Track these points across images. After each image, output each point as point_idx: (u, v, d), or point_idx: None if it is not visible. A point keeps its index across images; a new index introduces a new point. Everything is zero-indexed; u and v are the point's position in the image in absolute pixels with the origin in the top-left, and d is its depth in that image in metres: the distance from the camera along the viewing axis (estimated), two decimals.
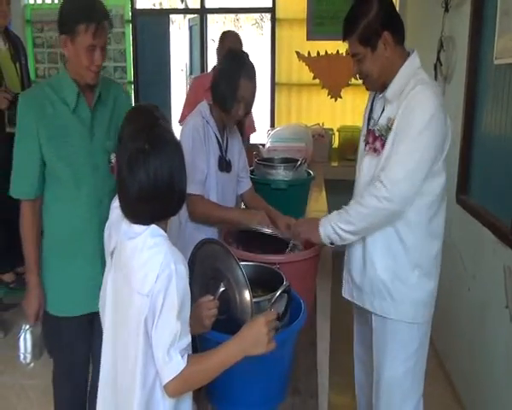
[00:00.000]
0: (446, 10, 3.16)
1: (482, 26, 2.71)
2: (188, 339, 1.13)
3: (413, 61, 1.74)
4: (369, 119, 1.91)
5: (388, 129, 1.70)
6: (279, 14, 4.74)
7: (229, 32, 3.29)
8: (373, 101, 1.91)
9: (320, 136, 4.45)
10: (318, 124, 4.60)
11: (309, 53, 4.64)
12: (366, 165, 1.80)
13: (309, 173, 2.56)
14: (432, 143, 1.63)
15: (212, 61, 5.53)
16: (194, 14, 5.01)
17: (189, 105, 3.15)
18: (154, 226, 1.18)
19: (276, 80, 4.85)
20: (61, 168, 1.72)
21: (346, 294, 1.94)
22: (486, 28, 2.64)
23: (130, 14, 4.91)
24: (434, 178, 1.69)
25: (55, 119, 1.71)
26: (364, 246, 1.80)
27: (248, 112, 2.09)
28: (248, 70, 2.02)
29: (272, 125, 4.82)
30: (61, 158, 1.71)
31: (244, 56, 2.08)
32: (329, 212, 3.16)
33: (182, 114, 3.49)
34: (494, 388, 2.35)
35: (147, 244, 1.16)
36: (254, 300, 1.48)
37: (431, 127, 1.61)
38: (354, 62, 1.77)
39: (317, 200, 3.20)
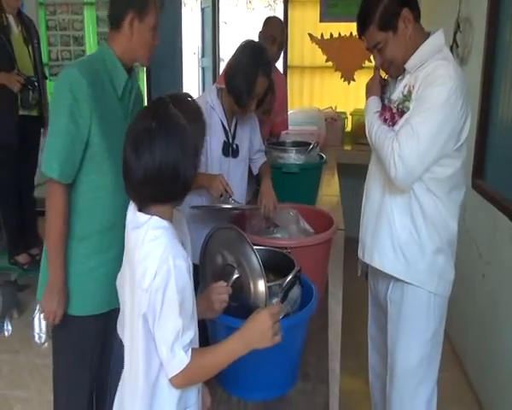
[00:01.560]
0: None
1: (500, 6, 2.64)
2: (191, 334, 1.12)
3: (438, 38, 1.66)
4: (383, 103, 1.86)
5: (405, 98, 1.63)
6: None
7: (272, 18, 3.19)
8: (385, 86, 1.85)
9: (333, 119, 4.40)
10: (331, 107, 4.55)
11: (322, 35, 4.56)
12: None
13: (321, 157, 2.53)
14: (446, 123, 1.56)
15: (224, 43, 5.49)
16: None
17: None
18: (155, 218, 1.15)
19: (289, 63, 4.80)
20: (105, 154, 1.58)
21: (360, 254, 1.89)
22: (504, 8, 2.57)
23: None
24: (453, 158, 1.64)
25: (105, 100, 1.58)
26: (382, 201, 1.74)
27: (269, 112, 2.05)
28: (265, 66, 2.00)
29: None
30: (108, 143, 1.57)
31: (263, 52, 2.04)
32: (342, 196, 3.18)
33: None
34: (507, 376, 2.33)
35: (148, 236, 1.13)
36: (269, 284, 1.47)
37: (446, 107, 1.55)
38: (376, 54, 1.70)
39: (330, 184, 3.18)
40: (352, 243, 2.12)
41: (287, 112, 3.34)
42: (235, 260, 1.43)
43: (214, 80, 4.99)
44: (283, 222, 2.12)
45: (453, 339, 3.15)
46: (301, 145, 2.52)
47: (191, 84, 6.49)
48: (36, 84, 3.25)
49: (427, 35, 1.68)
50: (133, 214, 1.19)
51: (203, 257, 1.52)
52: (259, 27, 3.11)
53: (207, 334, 1.50)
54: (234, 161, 2.15)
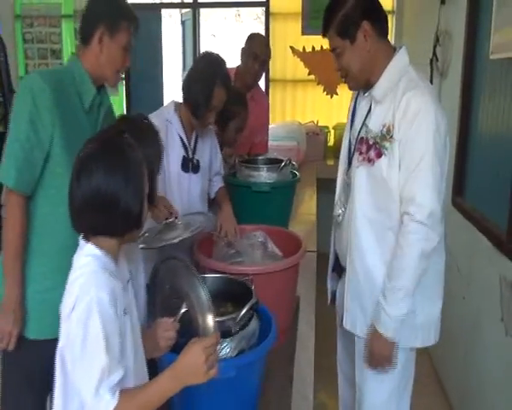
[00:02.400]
0: (443, 2, 3.02)
1: (478, 20, 2.57)
2: (119, 374, 1.01)
3: (402, 58, 1.61)
4: (352, 120, 1.78)
5: (384, 137, 1.56)
6: (274, 9, 4.60)
7: (256, 35, 3.09)
8: (355, 101, 1.78)
9: (315, 133, 4.31)
10: (313, 121, 4.46)
11: (304, 48, 4.49)
12: (360, 177, 1.64)
13: (294, 175, 2.43)
14: (443, 151, 1.53)
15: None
16: (186, 8, 4.88)
17: None
18: (89, 245, 1.09)
19: (271, 76, 4.71)
20: (67, 167, 1.42)
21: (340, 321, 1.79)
22: (483, 22, 2.50)
23: None
24: None
25: (70, 110, 1.52)
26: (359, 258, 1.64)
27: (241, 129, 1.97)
28: (223, 78, 1.95)
29: None
30: (70, 155, 1.40)
31: (221, 63, 2.00)
32: (320, 212, 3.06)
33: None
34: (488, 404, 2.21)
35: (79, 262, 1.08)
36: (218, 319, 1.36)
37: (439, 137, 1.51)
38: (334, 58, 1.66)
39: (306, 201, 3.07)
40: (324, 258, 2.00)
41: (267, 133, 3.24)
42: (183, 292, 1.32)
43: None
44: (249, 246, 2.00)
45: (434, 361, 3.04)
46: (274, 162, 2.42)
47: (171, 97, 6.39)
48: (1, 99, 3.13)
49: (392, 52, 1.61)
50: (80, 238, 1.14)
51: (152, 288, 1.41)
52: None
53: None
54: (194, 176, 2.07)
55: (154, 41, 4.96)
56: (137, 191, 1.10)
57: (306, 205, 2.96)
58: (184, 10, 4.90)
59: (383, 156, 1.57)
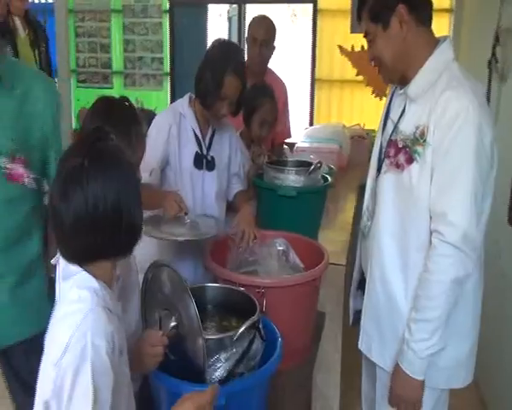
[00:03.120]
0: None
1: None
2: None
3: (445, 52, 1.42)
4: (385, 121, 1.59)
5: (416, 140, 1.38)
6: (321, 5, 4.41)
7: (254, 18, 2.89)
8: (391, 98, 1.60)
9: (360, 137, 4.07)
10: (359, 124, 4.23)
11: (352, 47, 4.27)
12: (387, 184, 1.46)
13: (326, 179, 2.24)
14: (487, 165, 1.33)
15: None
16: (232, 3, 4.78)
17: None
18: (84, 274, 0.94)
19: (317, 76, 4.52)
20: None
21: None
22: None
23: (168, 4, 4.74)
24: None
25: None
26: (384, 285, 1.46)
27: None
28: (236, 66, 1.80)
29: (311, 125, 4.49)
30: None
31: (233, 48, 1.87)
32: (355, 225, 2.84)
33: None
34: None
35: (69, 297, 0.93)
36: (215, 337, 1.23)
37: (483, 147, 1.31)
38: (368, 45, 1.50)
39: (346, 210, 2.86)
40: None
41: (288, 120, 3.05)
42: (173, 307, 1.18)
43: None
44: (268, 254, 1.83)
45: (487, 400, 2.75)
46: (305, 165, 2.24)
47: None
48: None
49: (435, 44, 1.42)
50: (64, 264, 0.98)
51: (143, 295, 1.28)
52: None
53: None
54: (208, 174, 1.94)
55: (200, 36, 4.90)
56: (137, 198, 0.97)
57: (344, 214, 2.75)
58: (231, 6, 4.80)
59: (414, 162, 1.38)
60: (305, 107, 4.66)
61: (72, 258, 0.96)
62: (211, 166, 1.94)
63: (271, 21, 2.85)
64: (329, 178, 2.25)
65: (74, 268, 0.96)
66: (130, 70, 4.99)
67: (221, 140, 1.99)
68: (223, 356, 1.19)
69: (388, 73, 1.48)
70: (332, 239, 2.24)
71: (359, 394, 1.80)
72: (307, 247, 1.86)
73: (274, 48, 2.84)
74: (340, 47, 4.32)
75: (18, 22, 3.13)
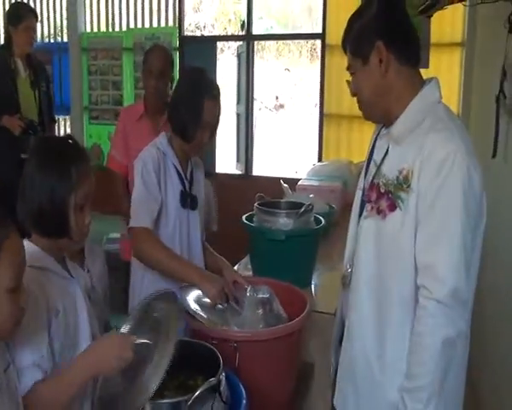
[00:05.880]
0: (510, 31, 2.63)
1: None
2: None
3: (430, 93, 1.33)
4: (368, 162, 1.50)
5: (400, 186, 1.28)
6: (330, 40, 4.36)
7: (148, 50, 2.77)
8: (376, 139, 1.51)
9: None
10: None
11: None
12: (367, 231, 1.36)
13: (319, 222, 2.14)
14: (477, 213, 1.25)
15: (259, 89, 5.24)
16: (240, 40, 4.80)
17: (116, 134, 2.88)
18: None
19: (325, 111, 4.45)
20: None
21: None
22: None
23: (178, 41, 4.79)
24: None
25: None
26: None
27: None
28: (212, 89, 1.76)
29: (320, 161, 4.40)
30: None
31: (203, 73, 1.81)
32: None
33: (112, 141, 3.16)
34: None
35: None
36: (165, 401, 1.14)
37: (473, 194, 1.22)
38: (351, 79, 1.43)
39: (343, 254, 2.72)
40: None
41: None
42: (154, 341, 1.18)
43: (247, 128, 4.75)
44: (252, 302, 1.73)
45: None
46: (299, 207, 2.14)
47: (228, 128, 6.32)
48: (38, 128, 3.16)
49: (422, 84, 1.34)
50: None
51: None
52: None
53: None
54: (192, 213, 1.88)
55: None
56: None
57: (343, 256, 2.61)
58: (239, 43, 4.82)
59: (397, 210, 1.27)
60: (313, 143, 4.58)
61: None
62: (194, 204, 1.88)
63: (167, 52, 2.79)
64: (323, 221, 2.14)
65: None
66: None
67: (198, 177, 1.96)
68: None
69: (367, 109, 1.41)
70: (326, 285, 2.13)
71: None
72: (292, 295, 1.76)
73: (172, 79, 2.77)
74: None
75: (19, 63, 3.17)
